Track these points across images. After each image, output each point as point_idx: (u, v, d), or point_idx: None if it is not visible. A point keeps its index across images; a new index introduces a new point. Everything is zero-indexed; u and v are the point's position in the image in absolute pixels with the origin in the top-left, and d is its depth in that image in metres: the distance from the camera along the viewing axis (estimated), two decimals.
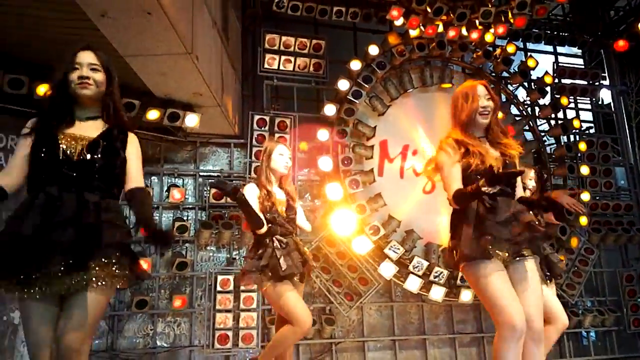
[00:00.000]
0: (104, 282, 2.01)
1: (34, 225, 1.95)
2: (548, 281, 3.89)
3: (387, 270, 5.69)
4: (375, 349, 5.90)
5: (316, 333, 5.51)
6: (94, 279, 1.98)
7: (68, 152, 2.11)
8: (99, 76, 2.21)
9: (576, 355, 6.47)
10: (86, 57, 2.20)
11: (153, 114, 4.96)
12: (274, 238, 3.33)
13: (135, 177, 2.28)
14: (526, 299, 2.50)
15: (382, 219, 5.89)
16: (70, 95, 2.19)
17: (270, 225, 3.35)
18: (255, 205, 3.33)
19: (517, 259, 2.58)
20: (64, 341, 1.94)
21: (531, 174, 3.69)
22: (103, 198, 2.13)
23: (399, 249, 5.72)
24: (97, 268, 2.00)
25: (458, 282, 5.86)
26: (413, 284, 5.70)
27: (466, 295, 5.84)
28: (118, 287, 2.09)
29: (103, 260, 2.01)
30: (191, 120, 5.07)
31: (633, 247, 7.15)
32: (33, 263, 1.93)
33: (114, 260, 2.04)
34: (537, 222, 2.56)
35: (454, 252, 2.60)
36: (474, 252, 2.48)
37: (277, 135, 5.74)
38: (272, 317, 5.41)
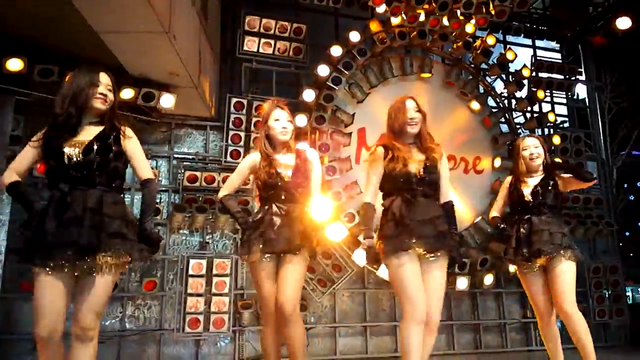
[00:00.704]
0: (108, 269, 2.37)
1: (53, 221, 2.37)
2: None
3: (361, 257, 5.70)
4: (346, 334, 5.94)
5: None
6: (100, 266, 2.36)
7: (72, 156, 2.47)
8: (111, 95, 2.62)
9: (542, 344, 6.58)
10: (105, 79, 2.60)
11: (127, 93, 4.85)
12: (273, 205, 3.14)
13: (141, 167, 2.63)
14: (431, 293, 2.81)
15: (357, 207, 5.88)
16: (83, 104, 2.53)
17: (271, 192, 3.14)
18: (245, 174, 3.28)
19: (431, 257, 2.86)
20: (80, 322, 2.35)
21: (529, 140, 3.71)
22: (105, 192, 2.46)
23: (373, 237, 5.72)
24: (101, 257, 2.36)
25: (456, 269, 5.98)
26: (386, 271, 5.71)
27: (462, 283, 6.04)
28: (121, 271, 2.46)
29: (105, 249, 2.36)
30: (167, 101, 4.97)
31: (601, 240, 7.33)
32: (52, 252, 2.34)
33: (116, 248, 2.39)
34: (451, 231, 2.92)
35: (377, 246, 2.97)
36: (394, 245, 2.82)
37: (254, 119, 5.67)
38: (244, 301, 5.41)
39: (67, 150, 2.46)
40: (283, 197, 3.14)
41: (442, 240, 2.85)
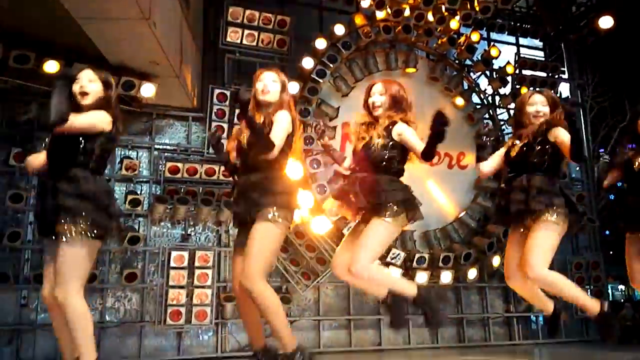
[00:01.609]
0: (68, 236, 2.61)
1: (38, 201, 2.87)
2: None
3: None
4: (330, 328, 5.91)
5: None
6: (60, 236, 2.62)
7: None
8: (92, 87, 2.84)
9: (525, 338, 6.65)
10: (86, 74, 2.86)
11: None
12: (236, 176, 3.13)
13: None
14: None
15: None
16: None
17: (240, 161, 3.09)
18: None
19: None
20: (55, 298, 2.64)
21: (537, 97, 3.41)
22: (67, 174, 2.70)
23: None
24: (59, 228, 2.63)
25: (440, 264, 5.99)
26: None
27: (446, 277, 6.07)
28: (87, 238, 2.65)
29: (62, 221, 2.62)
30: (147, 90, 4.91)
31: (583, 236, 7.38)
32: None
33: (72, 219, 2.62)
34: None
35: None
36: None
37: (237, 111, 5.61)
38: (227, 294, 5.35)
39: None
40: (243, 165, 3.06)
41: None
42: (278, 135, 2.91)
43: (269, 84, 3.05)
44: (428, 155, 2.96)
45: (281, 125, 2.95)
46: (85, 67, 2.89)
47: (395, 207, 3.03)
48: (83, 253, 2.65)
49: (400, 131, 3.12)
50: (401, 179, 3.24)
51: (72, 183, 2.70)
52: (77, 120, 2.67)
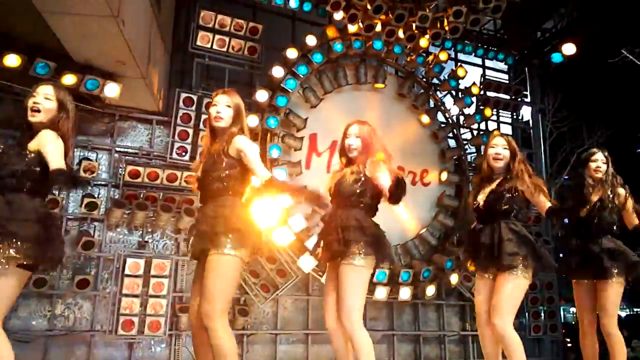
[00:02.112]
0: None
1: None
2: None
3: (307, 263, 5.62)
4: (287, 342, 5.82)
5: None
6: None
7: None
8: (48, 105, 2.69)
9: (479, 357, 6.71)
10: (43, 89, 2.71)
11: (69, 79, 4.59)
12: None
13: (51, 161, 2.53)
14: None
15: (305, 212, 5.82)
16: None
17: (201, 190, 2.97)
18: None
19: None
20: None
21: (498, 140, 3.39)
22: (11, 196, 2.53)
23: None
24: None
25: (399, 279, 5.98)
26: None
27: (405, 293, 6.05)
28: (18, 265, 2.48)
29: None
30: (111, 90, 4.74)
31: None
32: None
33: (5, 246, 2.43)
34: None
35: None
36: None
37: (203, 116, 5.51)
38: (182, 304, 5.19)
39: None
40: (202, 195, 2.93)
41: None
42: (260, 165, 2.78)
43: (222, 109, 2.88)
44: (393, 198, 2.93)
45: (253, 153, 2.79)
46: (50, 84, 2.78)
47: (363, 249, 2.98)
48: (11, 278, 2.52)
49: (371, 170, 3.07)
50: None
51: (14, 207, 2.54)
52: (57, 163, 2.51)
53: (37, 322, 4.89)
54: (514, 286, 3.13)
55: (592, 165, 3.83)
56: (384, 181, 2.92)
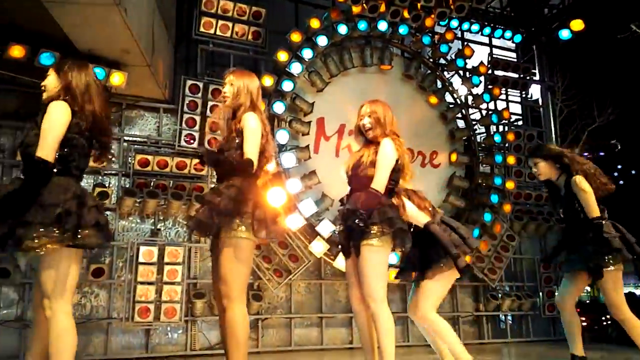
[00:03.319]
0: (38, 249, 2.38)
1: None
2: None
3: (318, 248, 5.63)
4: (301, 326, 5.84)
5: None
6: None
7: None
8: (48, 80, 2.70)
9: (494, 337, 6.71)
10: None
11: None
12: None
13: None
14: None
15: (315, 197, 5.81)
16: None
17: None
18: None
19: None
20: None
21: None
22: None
23: (330, 227, 5.67)
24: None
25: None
26: (343, 262, 5.66)
27: None
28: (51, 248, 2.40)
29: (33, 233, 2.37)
30: (117, 79, 4.73)
31: (552, 236, 7.49)
32: None
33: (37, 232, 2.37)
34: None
35: None
36: None
37: (210, 103, 5.51)
38: (197, 291, 5.23)
39: None
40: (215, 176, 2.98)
41: None
42: (252, 151, 2.80)
43: (226, 89, 2.99)
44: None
45: (252, 136, 2.82)
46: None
47: (381, 229, 2.97)
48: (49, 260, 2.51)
49: (379, 151, 3.09)
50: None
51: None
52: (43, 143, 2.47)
53: None
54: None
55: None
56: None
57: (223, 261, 2.74)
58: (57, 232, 2.40)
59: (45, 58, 4.45)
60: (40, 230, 2.37)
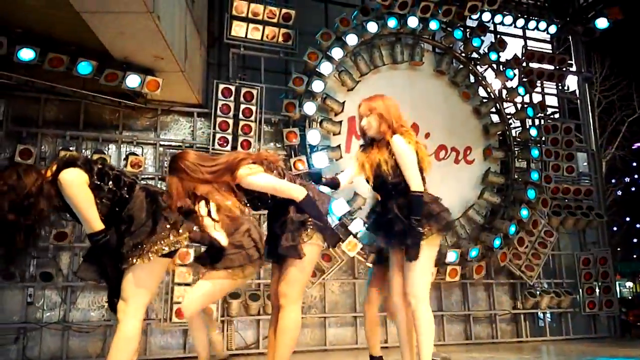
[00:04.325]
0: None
1: None
2: None
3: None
4: (336, 325, 5.86)
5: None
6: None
7: None
8: None
9: (532, 335, 6.60)
10: None
11: (111, 77, 4.71)
12: None
13: None
14: None
15: (347, 196, 5.82)
16: None
17: None
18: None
19: None
20: None
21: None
22: None
23: (363, 226, 5.67)
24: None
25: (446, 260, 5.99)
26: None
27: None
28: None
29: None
30: (132, 81, 4.80)
31: (591, 232, 7.31)
32: None
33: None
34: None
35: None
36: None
37: (242, 106, 5.57)
38: (232, 291, 5.30)
39: None
40: None
41: None
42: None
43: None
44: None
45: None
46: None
47: (429, 227, 2.92)
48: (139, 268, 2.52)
49: (395, 152, 2.96)
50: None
51: None
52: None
53: (96, 313, 5.10)
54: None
55: None
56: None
57: (291, 263, 2.75)
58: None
59: (83, 67, 4.58)
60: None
